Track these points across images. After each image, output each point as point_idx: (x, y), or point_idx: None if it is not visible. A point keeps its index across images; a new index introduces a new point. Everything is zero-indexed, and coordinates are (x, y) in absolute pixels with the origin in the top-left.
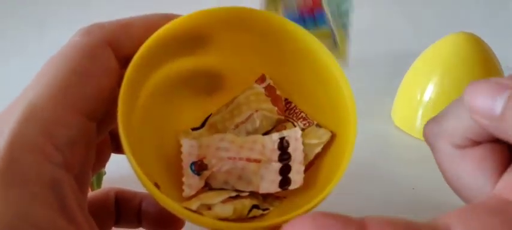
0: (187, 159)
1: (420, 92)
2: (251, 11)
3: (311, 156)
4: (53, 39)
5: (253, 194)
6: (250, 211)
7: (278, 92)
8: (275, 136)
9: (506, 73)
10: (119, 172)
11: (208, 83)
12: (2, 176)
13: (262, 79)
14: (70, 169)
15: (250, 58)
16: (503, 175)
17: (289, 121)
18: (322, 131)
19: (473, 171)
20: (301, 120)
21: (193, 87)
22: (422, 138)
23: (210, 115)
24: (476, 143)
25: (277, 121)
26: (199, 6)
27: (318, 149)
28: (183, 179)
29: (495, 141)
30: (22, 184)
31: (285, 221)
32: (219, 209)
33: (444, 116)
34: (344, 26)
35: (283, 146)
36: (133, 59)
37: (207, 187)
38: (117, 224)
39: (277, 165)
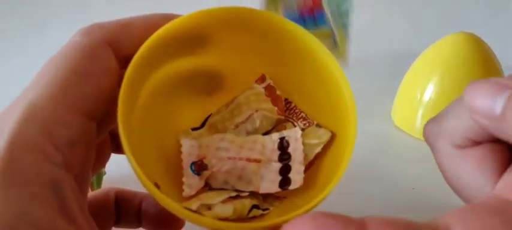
0: (187, 159)
1: (420, 92)
2: (251, 11)
3: (311, 156)
4: (53, 39)
5: (253, 194)
6: (250, 211)
7: (278, 92)
8: (275, 136)
9: (506, 73)
10: (119, 172)
11: (208, 83)
12: (2, 176)
13: (262, 79)
14: (70, 169)
15: (250, 58)
16: (503, 175)
17: (289, 121)
18: (322, 131)
19: (473, 171)
20: (301, 120)
21: (193, 87)
22: (422, 138)
23: (210, 115)
24: (476, 143)
25: (277, 121)
26: (199, 6)
27: (318, 149)
28: (183, 179)
29: (495, 141)
30: (22, 184)
31: (285, 221)
32: (219, 209)
33: (444, 116)
34: (344, 26)
35: (283, 146)
36: (133, 59)
37: (207, 187)
38: (117, 224)
39: (277, 165)
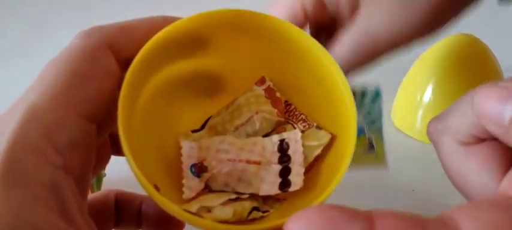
0: (187, 161)
1: (420, 94)
2: (251, 13)
3: (311, 158)
4: (53, 40)
5: (253, 197)
6: (250, 213)
7: (278, 94)
8: (275, 138)
9: (505, 74)
10: (119, 174)
11: (208, 85)
12: (3, 177)
13: (262, 81)
14: (70, 171)
15: (250, 60)
16: (507, 173)
17: (289, 123)
18: (322, 133)
19: (477, 168)
20: (301, 122)
21: (193, 89)
22: (422, 140)
23: (210, 118)
24: (480, 140)
25: (277, 123)
26: (200, 9)
27: (318, 151)
28: (183, 181)
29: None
30: (23, 186)
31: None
32: (219, 211)
33: (448, 113)
34: (378, 130)
35: (283, 148)
36: (133, 62)
37: (207, 189)
38: (117, 226)
39: (277, 167)
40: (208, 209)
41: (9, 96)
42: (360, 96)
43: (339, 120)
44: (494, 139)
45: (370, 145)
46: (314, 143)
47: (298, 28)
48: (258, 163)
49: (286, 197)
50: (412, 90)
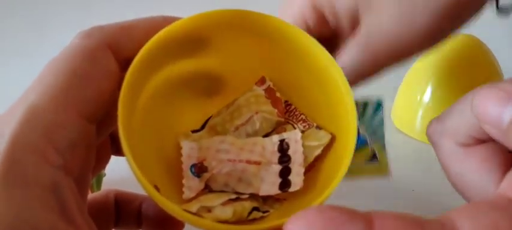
0: (187, 161)
1: (420, 94)
2: (251, 13)
3: (311, 158)
4: (53, 40)
5: (253, 197)
6: (250, 213)
7: (278, 94)
8: (275, 139)
9: (506, 75)
10: (119, 174)
11: (208, 85)
12: (3, 177)
13: (262, 81)
14: (70, 171)
15: (250, 60)
16: (506, 174)
17: (289, 123)
18: (322, 133)
19: (477, 170)
20: (301, 122)
21: (193, 89)
22: (422, 140)
23: (210, 118)
24: (479, 141)
25: (277, 124)
26: (200, 9)
27: (318, 151)
28: (183, 181)
29: None
30: (23, 186)
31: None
32: (219, 211)
33: (448, 114)
34: (380, 140)
35: (283, 148)
36: (133, 62)
37: (207, 189)
38: (117, 226)
39: (277, 167)
40: (208, 209)
41: (9, 96)
42: (361, 106)
43: (339, 120)
44: (493, 140)
45: (373, 155)
46: (314, 143)
47: (298, 28)
48: (258, 163)
49: (286, 198)
50: (412, 90)
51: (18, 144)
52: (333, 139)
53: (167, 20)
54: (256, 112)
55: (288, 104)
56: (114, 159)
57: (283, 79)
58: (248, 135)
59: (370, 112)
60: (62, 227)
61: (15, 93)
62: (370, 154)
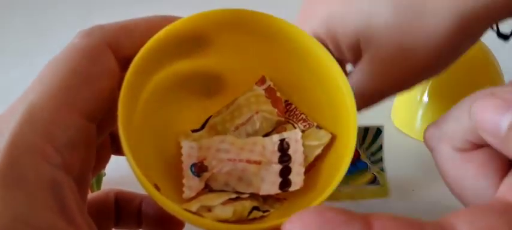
0: (187, 161)
1: (420, 93)
2: (251, 13)
3: (311, 158)
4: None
5: (253, 196)
6: (250, 212)
7: (278, 94)
8: (275, 138)
9: (505, 75)
10: (119, 173)
11: (208, 85)
12: (2, 177)
13: (262, 81)
14: (70, 170)
15: (250, 60)
16: (504, 178)
17: (289, 122)
18: (322, 133)
19: (474, 174)
20: (302, 121)
21: (193, 89)
22: (422, 139)
23: (210, 117)
24: (477, 146)
25: (277, 123)
26: (200, 9)
27: (318, 151)
28: (183, 181)
29: None
30: (22, 185)
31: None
32: (219, 211)
33: (445, 120)
34: (378, 162)
35: (283, 148)
36: (133, 61)
37: (207, 188)
38: (117, 225)
39: (278, 167)
40: (209, 209)
41: (9, 96)
42: (362, 131)
43: (340, 120)
44: (490, 145)
45: (374, 179)
46: (314, 143)
47: (299, 28)
48: (258, 162)
49: (287, 197)
50: (411, 90)
51: (17, 142)
52: (333, 138)
53: (167, 20)
54: (257, 112)
55: (288, 104)
56: (114, 159)
57: (285, 79)
58: (248, 135)
59: (370, 137)
60: (61, 227)
61: (15, 93)
62: (371, 177)
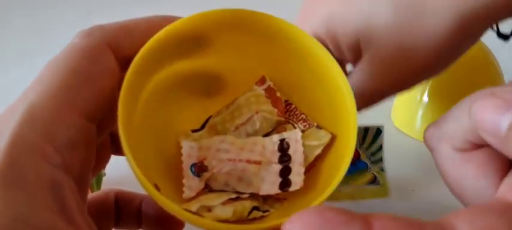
0: (187, 161)
1: (420, 93)
2: (251, 13)
3: (311, 158)
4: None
5: (253, 196)
6: (250, 212)
7: (278, 94)
8: (275, 138)
9: (505, 75)
10: (119, 173)
11: (208, 85)
12: (2, 176)
13: (262, 81)
14: (70, 170)
15: (250, 60)
16: (504, 178)
17: (289, 122)
18: (322, 133)
19: (474, 174)
20: (302, 121)
21: (193, 89)
22: (421, 139)
23: (210, 117)
24: (476, 146)
25: (277, 123)
26: (200, 9)
27: (318, 151)
28: (183, 181)
29: None
30: (22, 185)
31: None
32: (219, 210)
33: (444, 120)
34: (378, 162)
35: (283, 148)
36: (133, 61)
37: (207, 188)
38: (117, 225)
39: (278, 167)
40: (209, 209)
41: (9, 96)
42: (362, 132)
43: (340, 120)
44: (490, 145)
45: (374, 179)
46: (314, 143)
47: (299, 28)
48: (258, 162)
49: (287, 197)
50: (411, 90)
51: (17, 143)
52: (333, 138)
53: (167, 20)
54: (257, 112)
55: (288, 104)
56: (114, 159)
57: (285, 79)
58: (248, 135)
59: (370, 137)
60: (61, 227)
61: (15, 93)
62: (371, 177)
